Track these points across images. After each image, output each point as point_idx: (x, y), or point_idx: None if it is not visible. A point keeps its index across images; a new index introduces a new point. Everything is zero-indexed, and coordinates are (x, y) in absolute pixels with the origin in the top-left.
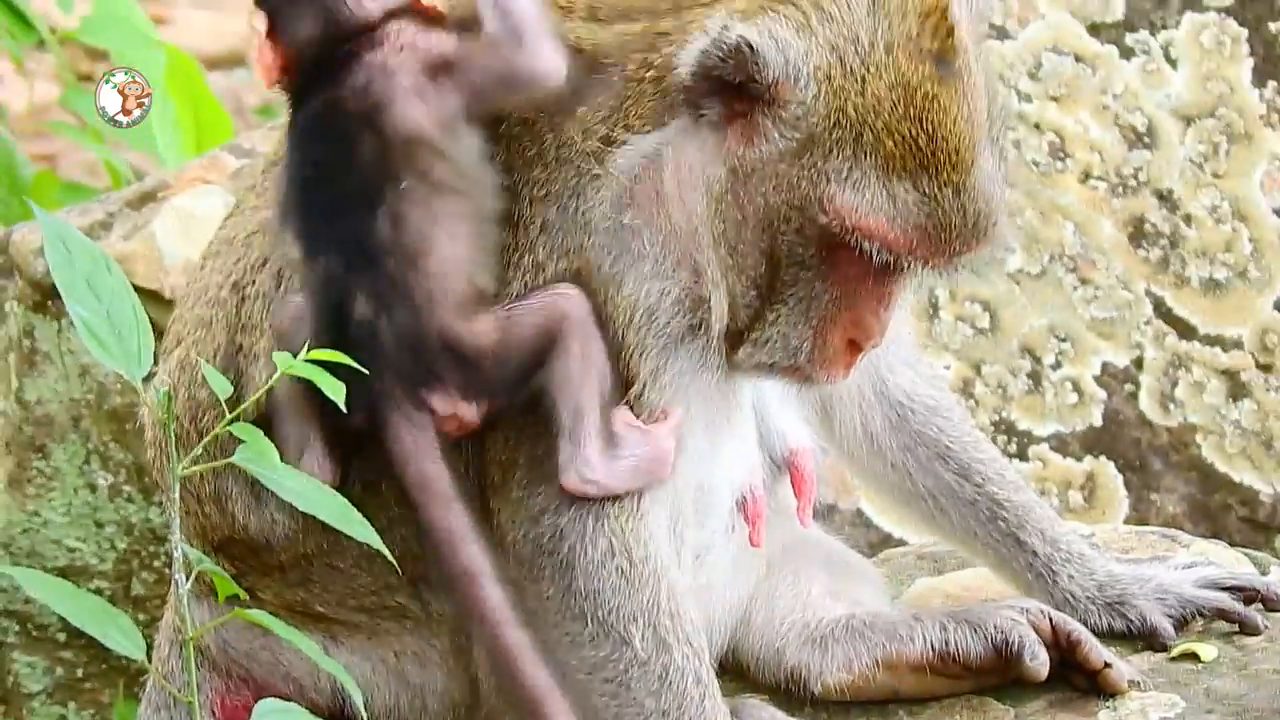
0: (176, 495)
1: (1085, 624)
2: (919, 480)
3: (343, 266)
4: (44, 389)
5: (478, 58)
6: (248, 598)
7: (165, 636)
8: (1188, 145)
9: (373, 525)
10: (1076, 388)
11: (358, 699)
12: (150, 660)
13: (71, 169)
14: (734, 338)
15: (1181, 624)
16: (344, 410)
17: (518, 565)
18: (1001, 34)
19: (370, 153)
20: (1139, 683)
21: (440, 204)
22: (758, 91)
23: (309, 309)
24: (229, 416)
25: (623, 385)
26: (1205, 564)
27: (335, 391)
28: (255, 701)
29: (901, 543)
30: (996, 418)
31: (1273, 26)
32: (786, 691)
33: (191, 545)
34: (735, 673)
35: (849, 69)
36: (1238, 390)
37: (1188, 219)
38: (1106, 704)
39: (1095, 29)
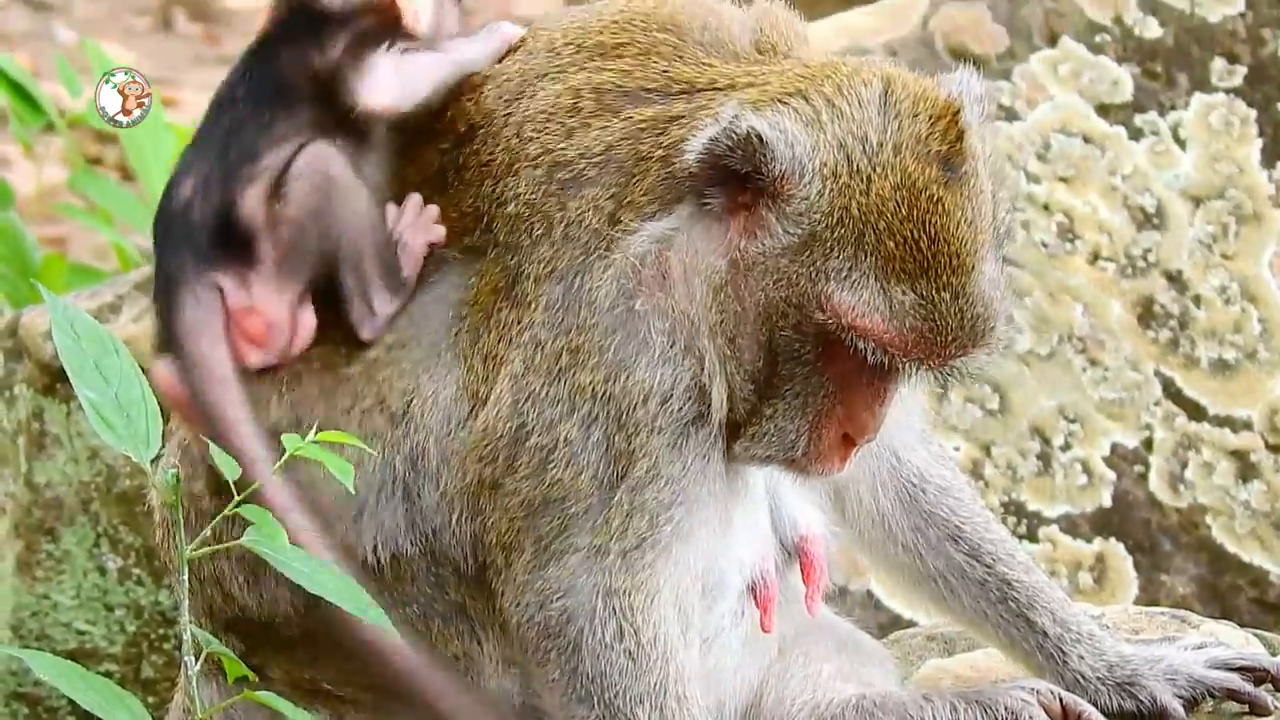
0: (186, 577)
1: (1096, 705)
2: (930, 561)
3: (199, 156)
4: (53, 472)
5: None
6: (256, 678)
7: (175, 718)
8: (1197, 226)
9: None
10: (1086, 469)
11: None
12: None
13: (81, 252)
14: (732, 429)
15: (1192, 705)
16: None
17: (522, 649)
18: (1010, 115)
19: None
20: None
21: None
22: (763, 184)
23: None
24: (237, 499)
25: (625, 468)
26: (1215, 645)
27: (344, 474)
28: None
29: (911, 624)
30: (1006, 499)
31: None
32: None
33: (201, 624)
34: None
35: (855, 168)
36: (1247, 471)
37: (1197, 300)
38: None
39: (1104, 110)
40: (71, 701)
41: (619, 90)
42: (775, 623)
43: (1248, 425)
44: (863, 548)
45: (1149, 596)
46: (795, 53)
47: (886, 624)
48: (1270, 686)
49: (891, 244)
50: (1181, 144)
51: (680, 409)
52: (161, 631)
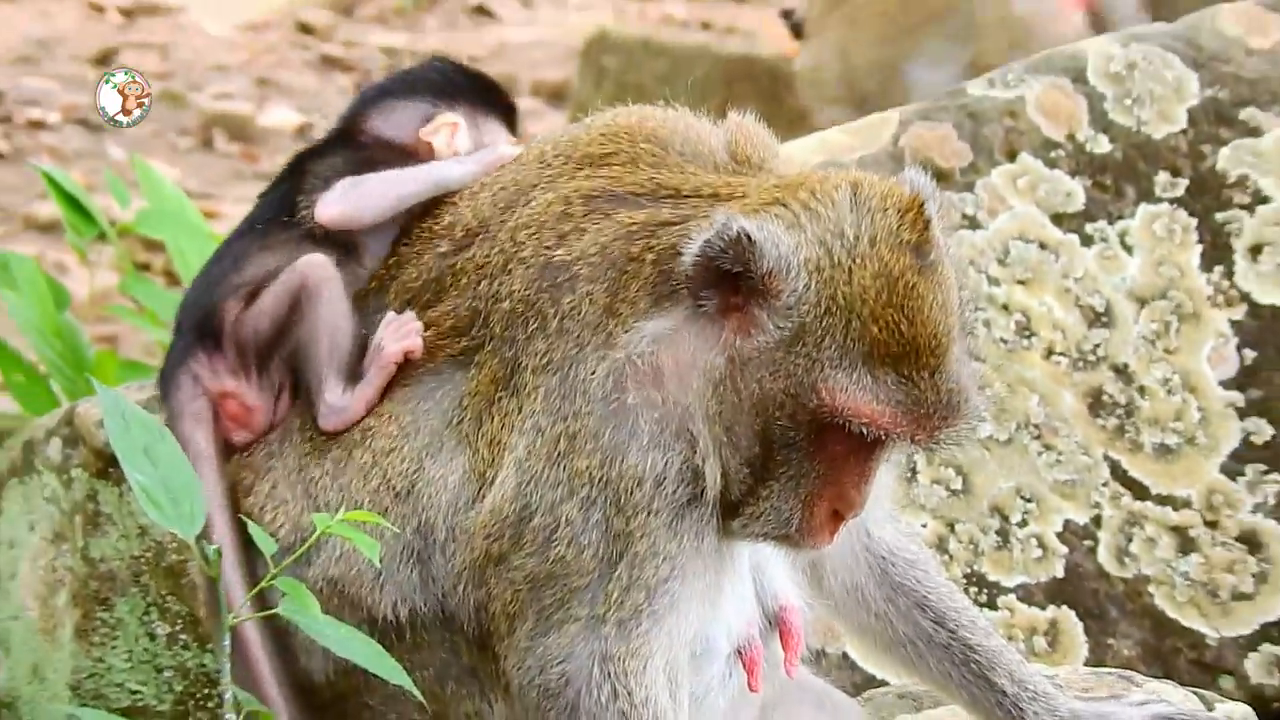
0: (227, 643)
1: None
2: (899, 627)
3: (210, 263)
4: (107, 548)
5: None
6: None
7: None
8: (1142, 324)
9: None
10: (1041, 543)
11: None
12: None
13: (131, 349)
14: (728, 508)
15: None
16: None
17: (523, 709)
18: (973, 224)
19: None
20: None
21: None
22: (753, 283)
23: None
24: (272, 571)
25: (624, 547)
26: (1158, 701)
27: (370, 550)
28: None
29: (883, 683)
30: (969, 570)
31: (1219, 216)
32: None
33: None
34: None
35: (836, 260)
36: (1187, 545)
37: (1142, 390)
38: None
39: (1058, 219)
40: None
41: (609, 194)
42: (760, 684)
43: (1187, 504)
44: (838, 615)
45: (1097, 658)
46: (768, 165)
47: (861, 683)
48: None
49: (875, 329)
50: (1129, 249)
51: (675, 491)
52: (206, 691)
